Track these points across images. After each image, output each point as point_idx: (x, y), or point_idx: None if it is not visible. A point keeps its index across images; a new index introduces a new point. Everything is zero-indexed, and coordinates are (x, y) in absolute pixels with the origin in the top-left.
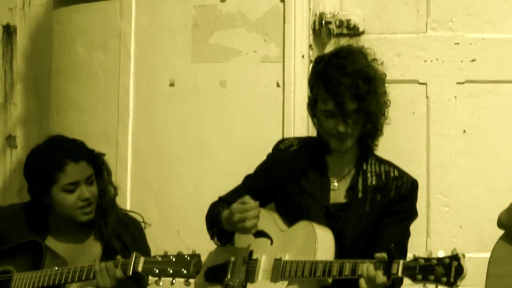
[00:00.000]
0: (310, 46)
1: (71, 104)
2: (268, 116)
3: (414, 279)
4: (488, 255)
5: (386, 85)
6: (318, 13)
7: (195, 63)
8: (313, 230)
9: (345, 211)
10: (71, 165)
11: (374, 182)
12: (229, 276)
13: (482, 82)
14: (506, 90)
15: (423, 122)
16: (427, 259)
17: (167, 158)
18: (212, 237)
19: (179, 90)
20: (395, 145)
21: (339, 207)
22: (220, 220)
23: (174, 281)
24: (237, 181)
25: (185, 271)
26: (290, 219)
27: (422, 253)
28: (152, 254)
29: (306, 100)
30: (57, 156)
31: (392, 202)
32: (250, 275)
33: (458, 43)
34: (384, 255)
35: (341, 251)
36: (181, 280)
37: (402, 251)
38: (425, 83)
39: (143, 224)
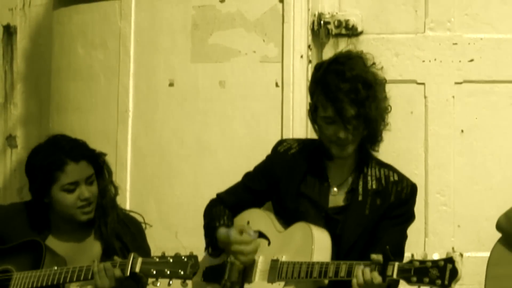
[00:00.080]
0: (309, 46)
1: (71, 104)
2: (267, 115)
3: (409, 281)
4: (486, 254)
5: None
6: (316, 13)
7: (195, 63)
8: (310, 231)
9: (344, 214)
10: (71, 165)
11: (374, 186)
12: (226, 276)
13: (480, 82)
14: (504, 90)
15: (421, 122)
16: (422, 262)
17: (167, 158)
18: (206, 248)
19: (179, 90)
20: (393, 145)
21: (338, 210)
22: (215, 236)
23: (171, 282)
24: (236, 180)
25: (182, 272)
26: (287, 222)
27: (417, 255)
28: (152, 253)
29: (305, 100)
30: (57, 156)
31: (392, 206)
32: (248, 276)
33: (456, 43)
34: (379, 257)
35: (339, 254)
36: (178, 281)
37: (399, 253)
38: (423, 83)
39: (143, 224)
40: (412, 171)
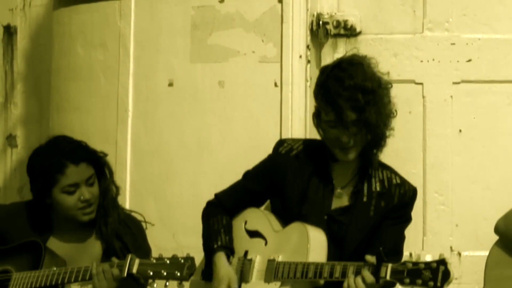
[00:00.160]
0: (307, 46)
1: (71, 103)
2: (266, 115)
3: (402, 282)
4: (484, 253)
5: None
6: (315, 13)
7: (194, 63)
8: (306, 231)
9: (348, 215)
10: (71, 167)
11: (378, 188)
12: None
13: (477, 82)
14: (501, 90)
15: (419, 121)
16: (415, 263)
17: (166, 157)
18: (205, 269)
19: (178, 90)
20: (391, 145)
21: (342, 211)
22: (211, 261)
23: (167, 283)
24: (235, 180)
25: (178, 274)
26: (287, 223)
27: (414, 254)
28: (152, 253)
29: (303, 100)
30: (57, 158)
31: (394, 208)
32: (245, 275)
33: (454, 44)
34: (373, 258)
35: (343, 256)
36: (175, 282)
37: (397, 253)
38: (421, 83)
39: (144, 224)
40: (410, 171)
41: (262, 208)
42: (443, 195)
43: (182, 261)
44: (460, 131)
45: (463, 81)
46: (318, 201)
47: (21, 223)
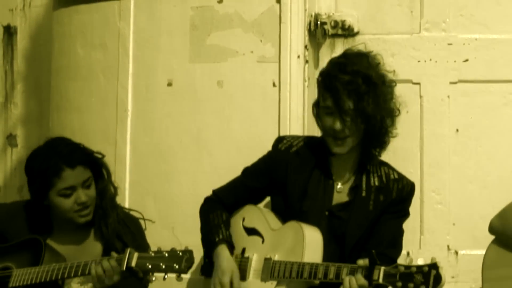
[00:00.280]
0: (305, 46)
1: (71, 103)
2: (264, 115)
3: (394, 286)
4: (480, 252)
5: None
6: (313, 14)
7: (193, 63)
8: (301, 230)
9: (348, 210)
10: (67, 171)
11: (377, 183)
12: None
13: (474, 82)
14: (498, 90)
15: (416, 121)
16: (407, 267)
17: (166, 157)
18: (204, 258)
19: (177, 89)
20: (389, 144)
21: (342, 207)
22: (213, 254)
23: (166, 276)
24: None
25: (177, 267)
26: (287, 220)
27: (412, 253)
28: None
29: (301, 99)
30: (53, 161)
31: (392, 203)
32: (242, 273)
33: (451, 44)
34: (366, 261)
35: (343, 254)
36: (173, 275)
37: (394, 244)
38: (418, 83)
39: (143, 222)
40: (407, 170)
41: (261, 205)
42: (440, 194)
43: (181, 254)
44: (457, 130)
45: (460, 81)
46: (319, 197)
47: (21, 222)
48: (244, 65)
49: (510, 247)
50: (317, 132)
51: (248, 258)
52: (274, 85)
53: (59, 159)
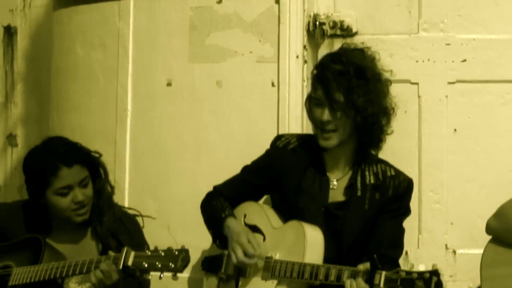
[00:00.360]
0: (304, 46)
1: (71, 103)
2: (263, 115)
3: None
4: (478, 251)
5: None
6: (312, 14)
7: (192, 63)
8: (303, 230)
9: (344, 209)
10: (64, 170)
11: (372, 181)
12: (223, 270)
13: (472, 82)
14: (496, 90)
15: (415, 121)
16: (409, 272)
17: (165, 156)
18: (214, 240)
19: (176, 89)
20: (387, 144)
21: (338, 206)
22: (223, 227)
23: (162, 275)
24: None
25: (172, 265)
26: (286, 217)
27: (411, 252)
28: None
29: (300, 99)
30: (50, 160)
31: (389, 200)
32: (243, 271)
33: (449, 44)
34: (367, 265)
35: (340, 250)
36: (169, 274)
37: (396, 246)
38: (416, 83)
39: (142, 221)
40: (405, 170)
41: (261, 202)
42: (439, 193)
43: (177, 253)
44: (455, 130)
45: (458, 81)
46: (315, 193)
47: (22, 221)
48: (243, 65)
49: (508, 245)
50: None
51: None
52: (273, 85)
53: (56, 158)
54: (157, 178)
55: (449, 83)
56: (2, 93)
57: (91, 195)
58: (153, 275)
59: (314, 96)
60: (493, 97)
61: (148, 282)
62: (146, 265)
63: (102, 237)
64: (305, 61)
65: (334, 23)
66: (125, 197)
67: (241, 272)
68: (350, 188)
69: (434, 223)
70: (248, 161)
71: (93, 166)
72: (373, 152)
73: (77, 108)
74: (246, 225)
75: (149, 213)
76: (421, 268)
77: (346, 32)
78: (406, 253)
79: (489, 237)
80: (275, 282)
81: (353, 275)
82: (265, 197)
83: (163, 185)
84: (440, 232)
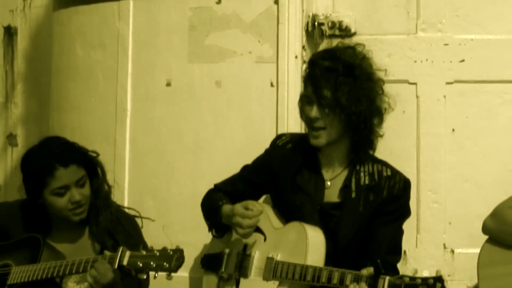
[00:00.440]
0: (303, 47)
1: (71, 103)
2: (262, 115)
3: None
4: (476, 250)
5: (381, 72)
6: (311, 14)
7: (191, 63)
8: (305, 231)
9: (339, 210)
10: (60, 170)
11: (367, 182)
12: (223, 268)
13: (470, 82)
14: (494, 90)
15: (413, 121)
16: (412, 278)
17: (164, 156)
18: (210, 229)
19: (176, 89)
20: (386, 144)
21: (333, 206)
22: (219, 214)
23: (156, 275)
24: None
25: (167, 265)
26: (284, 215)
27: (409, 251)
28: None
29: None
30: (47, 161)
31: (384, 201)
32: (243, 270)
33: (447, 44)
34: (370, 269)
35: (336, 250)
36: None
37: (395, 250)
38: (415, 83)
39: (141, 221)
40: (404, 169)
41: (261, 201)
42: (437, 193)
43: (171, 253)
44: (453, 130)
45: (456, 81)
46: (311, 192)
47: (22, 221)
48: (242, 65)
49: (504, 244)
50: None
51: (250, 255)
52: (272, 85)
53: (52, 158)
54: (156, 178)
55: (447, 83)
56: (2, 93)
57: (89, 195)
58: (153, 275)
59: (305, 93)
60: (491, 97)
61: (147, 282)
62: (141, 265)
63: (98, 236)
64: (304, 61)
65: (333, 23)
66: (124, 197)
67: (241, 271)
68: (344, 189)
69: (432, 222)
70: (247, 160)
71: (90, 165)
72: (370, 152)
73: (77, 108)
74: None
75: (149, 212)
76: (425, 274)
77: (345, 32)
78: (405, 252)
79: (486, 237)
80: (277, 283)
81: (356, 279)
82: (264, 196)
83: (163, 184)
84: (438, 232)
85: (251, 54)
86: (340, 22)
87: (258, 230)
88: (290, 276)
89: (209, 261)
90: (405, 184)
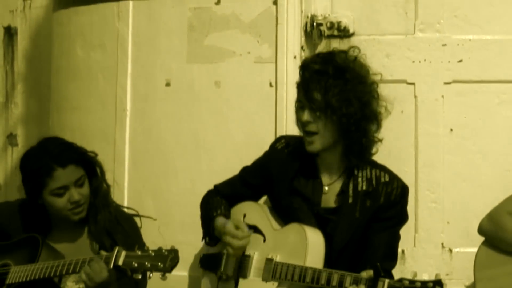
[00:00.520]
0: (301, 47)
1: (70, 103)
2: (261, 114)
3: None
4: (474, 249)
5: (376, 76)
6: (309, 15)
7: (191, 63)
8: (305, 234)
9: (335, 216)
10: (58, 171)
11: (364, 188)
12: (222, 269)
13: (468, 82)
14: (491, 90)
15: (411, 121)
16: (412, 281)
17: (163, 156)
18: (203, 237)
19: (175, 89)
20: (384, 144)
21: (330, 212)
22: (212, 226)
23: (151, 275)
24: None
25: (161, 265)
26: (282, 217)
27: (407, 250)
28: None
29: None
30: (45, 161)
31: (382, 208)
32: (243, 271)
33: (445, 44)
34: (370, 272)
35: (331, 254)
36: (158, 274)
37: (391, 256)
38: (413, 83)
39: (140, 221)
40: (402, 169)
41: (261, 202)
42: (435, 193)
43: (166, 253)
44: (451, 130)
45: (454, 81)
46: (308, 195)
47: (23, 221)
48: (241, 66)
49: (499, 248)
50: None
51: (249, 256)
52: (270, 85)
53: (50, 159)
54: (156, 178)
55: (445, 83)
56: (2, 93)
57: (88, 194)
58: (148, 275)
59: (297, 99)
60: (489, 97)
61: (145, 282)
62: (136, 265)
63: (97, 235)
64: None
65: (331, 23)
66: (124, 196)
67: (241, 272)
68: (342, 194)
69: (430, 222)
70: (246, 160)
71: (88, 165)
72: (357, 157)
73: (77, 108)
74: (246, 225)
75: (148, 212)
76: (425, 277)
77: (343, 32)
78: (403, 251)
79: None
80: (276, 284)
81: (356, 282)
82: (265, 197)
83: (162, 184)
84: (436, 231)
85: (250, 55)
86: (339, 23)
87: (257, 231)
88: (289, 277)
89: (208, 261)
90: (403, 190)
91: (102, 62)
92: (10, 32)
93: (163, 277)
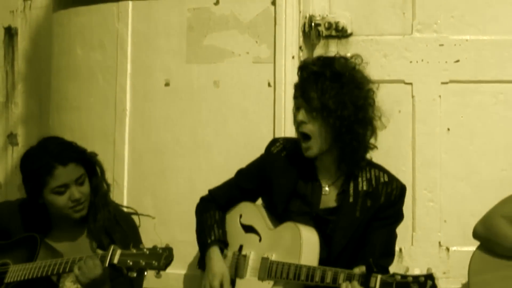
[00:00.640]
0: (300, 47)
1: (70, 103)
2: (259, 114)
3: None
4: (471, 248)
5: (374, 85)
6: (307, 15)
7: (190, 63)
8: (299, 232)
9: (335, 215)
10: (59, 169)
11: (365, 188)
12: None
13: (465, 82)
14: (488, 90)
15: (408, 120)
16: (404, 276)
17: (163, 155)
18: (199, 262)
19: (174, 89)
20: (382, 143)
21: (329, 212)
22: (204, 252)
23: (146, 273)
24: (230, 177)
25: (156, 264)
26: (278, 220)
27: (404, 249)
28: None
29: None
30: (45, 160)
31: (381, 208)
32: (239, 270)
33: (442, 45)
34: (363, 268)
35: (330, 255)
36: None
37: (388, 254)
38: (410, 83)
39: (139, 219)
40: (400, 168)
41: (258, 203)
42: (432, 192)
43: (161, 251)
44: (448, 129)
45: (451, 81)
46: (307, 198)
47: (23, 220)
48: (240, 66)
49: (494, 252)
50: None
51: (245, 256)
52: (269, 85)
53: (50, 157)
54: (155, 177)
55: (443, 83)
56: (3, 93)
57: (88, 192)
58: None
59: (294, 99)
60: (485, 97)
61: (141, 280)
62: (130, 263)
63: (95, 234)
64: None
65: (329, 24)
66: (124, 196)
67: (237, 271)
68: (342, 194)
69: (427, 220)
70: (244, 159)
71: (88, 164)
72: (353, 161)
73: (77, 107)
74: (242, 225)
75: (147, 211)
76: (416, 272)
77: (341, 33)
78: (400, 250)
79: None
80: (271, 282)
81: (349, 278)
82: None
83: (162, 183)
84: (433, 230)
85: (249, 55)
86: (337, 23)
87: (253, 230)
88: (285, 275)
89: (205, 262)
90: (402, 190)
91: (101, 62)
92: (10, 33)
93: (158, 275)
